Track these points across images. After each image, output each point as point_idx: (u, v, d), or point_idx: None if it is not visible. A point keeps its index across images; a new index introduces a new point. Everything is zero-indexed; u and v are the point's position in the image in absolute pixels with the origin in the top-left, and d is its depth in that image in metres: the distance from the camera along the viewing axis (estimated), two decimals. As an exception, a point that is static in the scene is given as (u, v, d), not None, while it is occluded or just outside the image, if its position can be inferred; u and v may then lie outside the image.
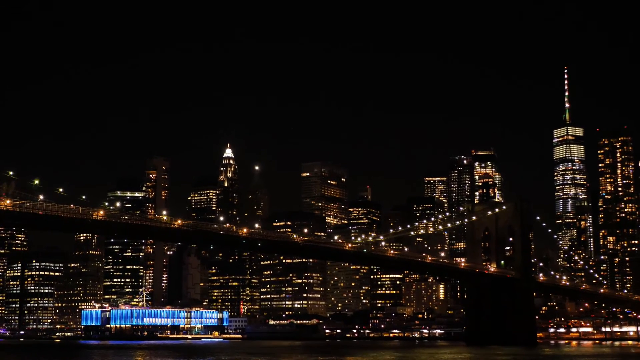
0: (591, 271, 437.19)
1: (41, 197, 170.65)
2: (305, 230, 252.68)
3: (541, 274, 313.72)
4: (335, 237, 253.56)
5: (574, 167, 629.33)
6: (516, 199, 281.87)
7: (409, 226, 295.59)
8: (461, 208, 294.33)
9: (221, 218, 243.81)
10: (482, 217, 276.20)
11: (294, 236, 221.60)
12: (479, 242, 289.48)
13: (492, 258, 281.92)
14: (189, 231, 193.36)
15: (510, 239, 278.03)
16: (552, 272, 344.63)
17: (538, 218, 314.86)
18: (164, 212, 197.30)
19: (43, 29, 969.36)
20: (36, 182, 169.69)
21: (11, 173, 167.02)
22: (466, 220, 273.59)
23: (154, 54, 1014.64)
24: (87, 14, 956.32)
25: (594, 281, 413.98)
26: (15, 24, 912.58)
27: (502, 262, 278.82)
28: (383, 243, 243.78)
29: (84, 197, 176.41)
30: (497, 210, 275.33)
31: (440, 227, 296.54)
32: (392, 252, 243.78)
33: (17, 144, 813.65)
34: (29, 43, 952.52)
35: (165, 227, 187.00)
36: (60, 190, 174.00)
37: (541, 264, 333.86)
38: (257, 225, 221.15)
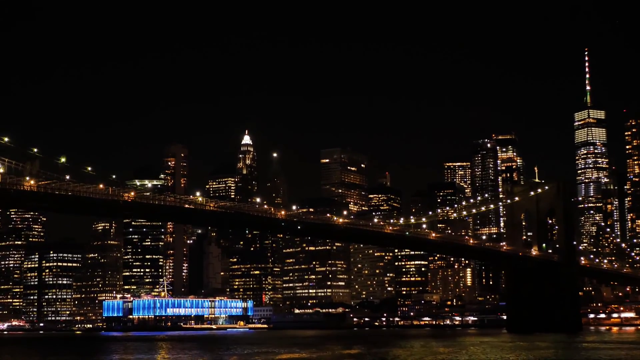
0: (633, 254, 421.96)
1: (67, 177, 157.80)
2: (345, 213, 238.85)
3: (582, 258, 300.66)
4: (375, 220, 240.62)
5: (596, 151, 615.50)
6: (557, 179, 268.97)
7: (448, 209, 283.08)
8: (499, 190, 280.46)
9: (257, 199, 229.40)
10: (523, 198, 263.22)
11: (334, 218, 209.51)
12: (519, 225, 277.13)
13: (533, 241, 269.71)
14: (227, 213, 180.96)
15: (550, 221, 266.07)
16: (592, 256, 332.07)
17: (580, 199, 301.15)
18: (198, 194, 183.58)
19: (67, 20, 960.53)
20: (62, 160, 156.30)
21: (35, 150, 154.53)
22: (508, 200, 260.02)
23: (176, 48, 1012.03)
24: (115, 9, 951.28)
25: (627, 265, 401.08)
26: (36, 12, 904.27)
27: (544, 245, 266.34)
28: (424, 226, 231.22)
29: (114, 176, 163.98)
30: (539, 190, 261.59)
31: (483, 208, 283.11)
32: (434, 234, 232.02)
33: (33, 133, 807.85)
34: (46, 38, 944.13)
35: (201, 208, 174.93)
36: (89, 169, 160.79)
37: (581, 247, 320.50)
38: (294, 208, 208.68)
